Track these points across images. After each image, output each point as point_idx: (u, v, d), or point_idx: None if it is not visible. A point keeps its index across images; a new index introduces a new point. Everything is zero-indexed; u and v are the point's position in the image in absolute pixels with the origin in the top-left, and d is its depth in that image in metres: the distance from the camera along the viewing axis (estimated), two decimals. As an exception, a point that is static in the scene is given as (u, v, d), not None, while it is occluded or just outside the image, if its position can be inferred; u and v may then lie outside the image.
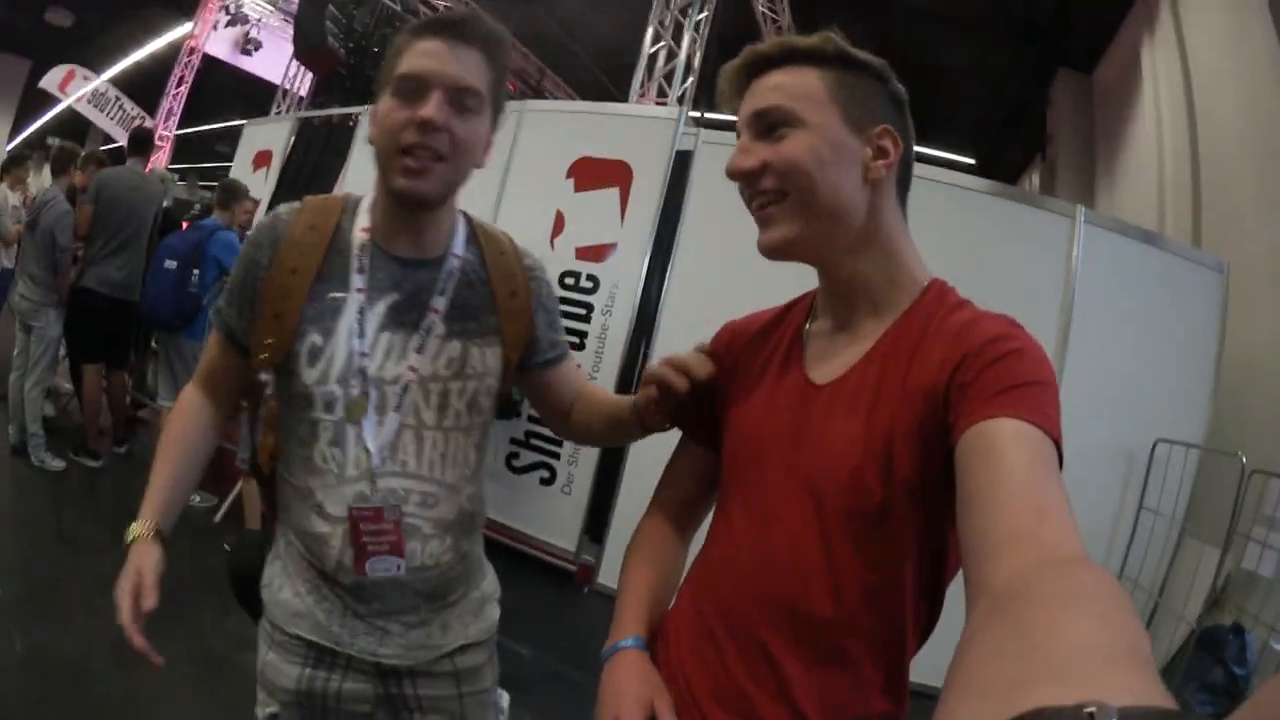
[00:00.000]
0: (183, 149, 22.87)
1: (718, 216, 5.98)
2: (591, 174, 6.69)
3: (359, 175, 8.30)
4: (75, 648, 4.13)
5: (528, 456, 6.68)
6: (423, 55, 1.60)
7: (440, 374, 1.76)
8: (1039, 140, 14.20)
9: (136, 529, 1.80)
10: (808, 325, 1.56)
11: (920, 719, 1.37)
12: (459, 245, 1.81)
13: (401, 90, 1.60)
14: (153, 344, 7.57)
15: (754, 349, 1.62)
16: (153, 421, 7.98)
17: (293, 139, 9.60)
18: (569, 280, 6.64)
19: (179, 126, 20.14)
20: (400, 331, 1.73)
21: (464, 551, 1.89)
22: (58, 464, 6.56)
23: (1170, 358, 5.76)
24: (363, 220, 1.76)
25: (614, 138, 6.67)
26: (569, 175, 6.76)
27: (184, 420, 1.90)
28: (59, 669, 3.94)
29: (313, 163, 9.06)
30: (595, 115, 7.05)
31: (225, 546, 5.65)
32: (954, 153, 14.34)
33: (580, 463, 6.47)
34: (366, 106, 8.83)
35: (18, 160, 9.03)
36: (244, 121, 11.20)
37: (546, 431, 6.37)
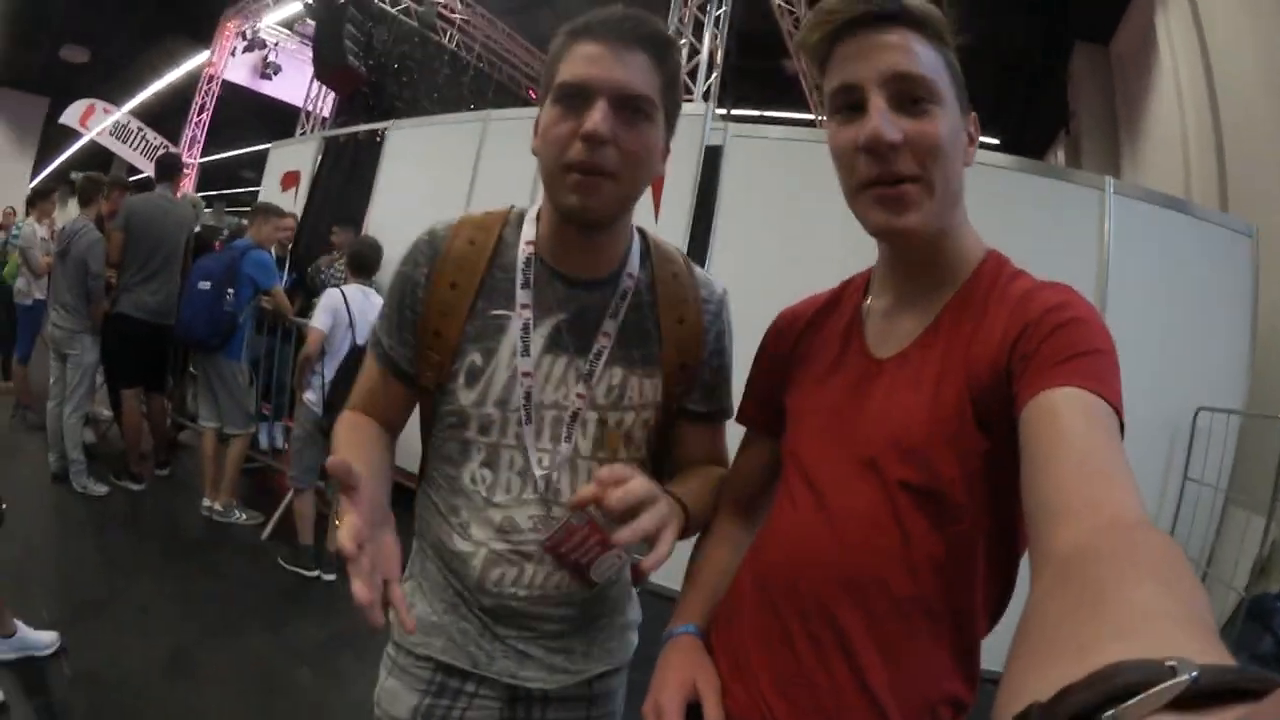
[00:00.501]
0: (207, 177, 23.04)
1: (750, 210, 5.99)
2: None
3: (390, 190, 8.45)
4: (125, 667, 4.17)
5: None
6: (584, 61, 1.46)
7: (599, 403, 1.65)
8: (1062, 115, 14.09)
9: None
10: (866, 302, 1.53)
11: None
12: (634, 264, 1.69)
13: (563, 99, 1.47)
14: (190, 368, 7.58)
15: (812, 332, 1.60)
16: (194, 445, 7.98)
17: (320, 158, 9.62)
18: None
19: (202, 154, 20.25)
20: (566, 355, 1.63)
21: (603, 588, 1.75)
22: (100, 489, 6.60)
23: (1206, 325, 5.67)
24: (528, 233, 1.67)
25: None
26: None
27: (356, 426, 1.73)
28: (109, 688, 3.98)
29: (341, 180, 9.09)
30: None
31: (279, 561, 5.76)
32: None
33: None
34: (392, 122, 9.01)
35: (43, 194, 9.17)
36: (267, 146, 11.18)
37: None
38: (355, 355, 5.53)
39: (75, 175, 7.74)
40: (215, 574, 5.57)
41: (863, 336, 1.49)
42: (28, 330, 8.52)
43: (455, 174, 7.56)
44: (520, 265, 1.63)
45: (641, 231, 1.76)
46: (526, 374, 1.61)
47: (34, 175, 23.31)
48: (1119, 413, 1.07)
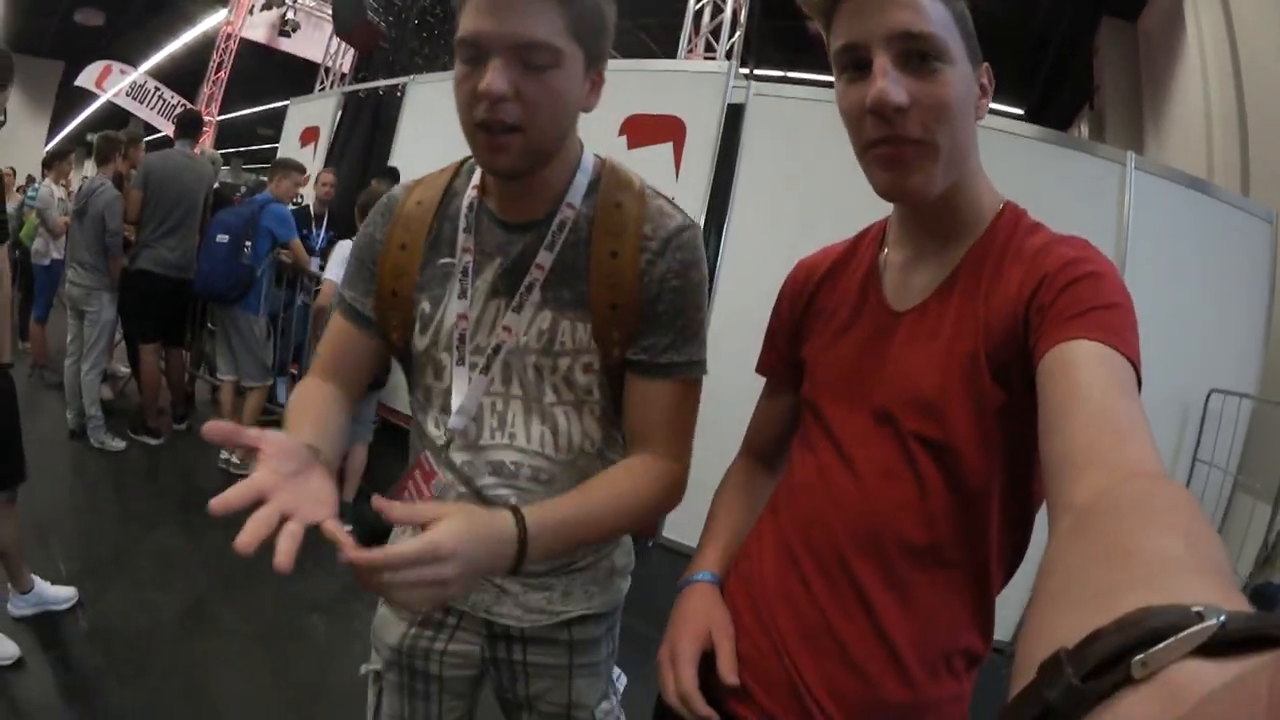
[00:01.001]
0: (225, 134, 22.96)
1: (772, 169, 5.95)
2: (644, 130, 6.57)
3: (411, 145, 8.40)
4: (142, 621, 4.23)
5: None
6: (477, 13, 1.39)
7: (531, 346, 1.60)
8: (1086, 90, 13.93)
9: None
10: (883, 254, 1.52)
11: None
12: (576, 195, 1.61)
13: (464, 56, 1.42)
14: (209, 324, 7.61)
15: (830, 284, 1.58)
16: (210, 400, 8.10)
17: (339, 113, 9.68)
18: None
19: (220, 112, 20.20)
20: (502, 297, 1.61)
21: None
22: (118, 444, 6.68)
23: (1222, 308, 5.64)
24: (475, 179, 1.67)
25: (665, 94, 6.56)
26: (621, 133, 6.63)
27: (306, 391, 1.70)
28: (126, 641, 4.03)
29: (362, 136, 9.08)
30: (646, 72, 6.86)
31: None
32: (1001, 103, 14.04)
33: None
34: (412, 77, 8.95)
35: (59, 155, 9.11)
36: (285, 103, 11.19)
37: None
38: None
39: (91, 136, 7.72)
40: (232, 527, 5.51)
41: (880, 288, 1.48)
42: (45, 290, 8.52)
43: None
44: (464, 211, 1.64)
45: (601, 160, 1.69)
46: (462, 316, 1.62)
47: (49, 139, 23.15)
48: (1136, 367, 1.07)
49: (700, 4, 10.38)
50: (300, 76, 17.73)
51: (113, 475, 6.30)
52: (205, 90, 19.40)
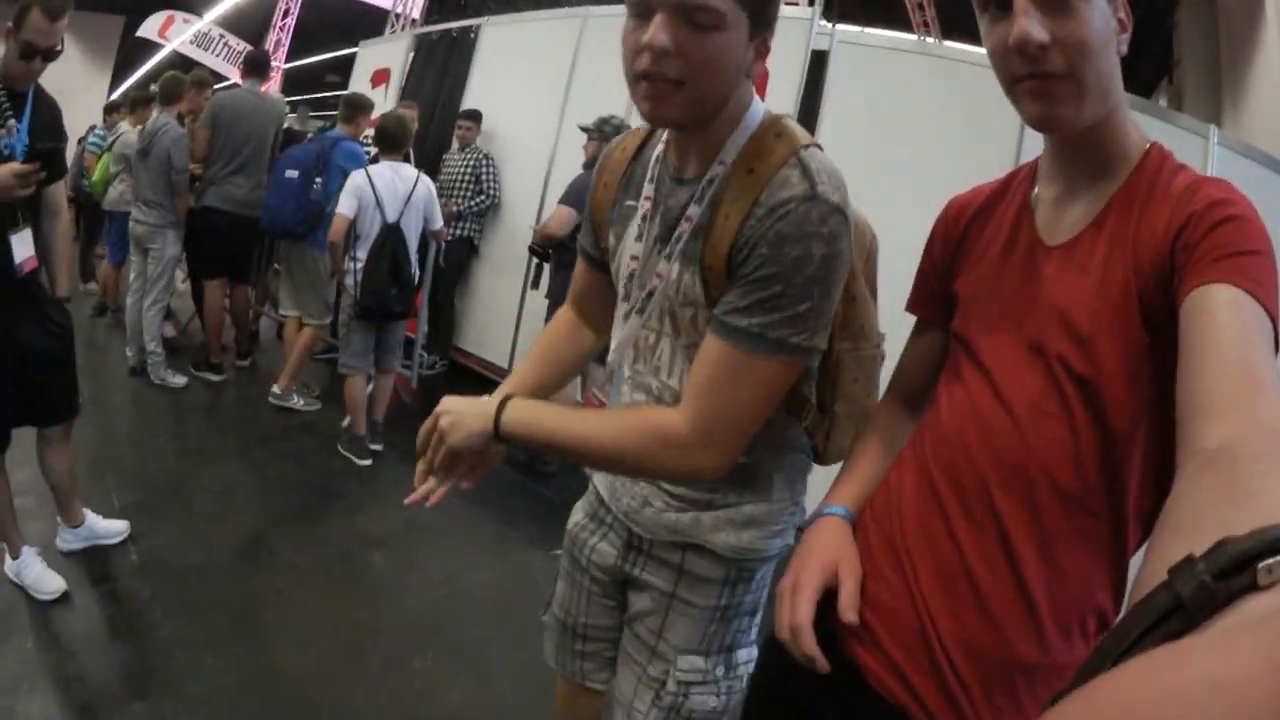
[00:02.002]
0: (292, 82, 23.04)
1: (855, 117, 5.77)
2: None
3: (485, 88, 8.28)
4: (196, 555, 4.20)
5: None
6: None
7: (672, 293, 1.70)
8: (1165, 63, 13.69)
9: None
10: (1034, 191, 1.52)
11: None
12: (730, 154, 1.62)
13: (632, 8, 1.49)
14: (275, 264, 7.60)
15: (982, 220, 1.59)
16: (272, 337, 8.14)
17: (411, 56, 9.47)
18: None
19: (288, 59, 20.21)
20: (661, 244, 1.70)
21: (736, 466, 1.66)
22: (179, 380, 6.71)
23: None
24: (669, 131, 1.72)
25: None
26: None
27: (552, 327, 2.11)
28: (178, 574, 4.01)
29: (434, 78, 8.94)
30: None
31: (338, 448, 5.80)
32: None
33: None
34: (486, 19, 8.79)
35: (142, 100, 8.95)
36: (353, 49, 10.99)
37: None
38: (387, 235, 5.56)
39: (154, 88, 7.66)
40: (293, 461, 5.62)
41: (1033, 223, 1.48)
42: (123, 235, 8.39)
43: (552, 71, 7.44)
44: (653, 161, 1.75)
45: (768, 119, 1.65)
46: (634, 257, 1.75)
47: (111, 93, 23.24)
48: (1274, 319, 1.07)
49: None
50: (369, 23, 17.63)
51: (172, 411, 6.32)
52: (272, 37, 19.44)
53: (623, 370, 1.92)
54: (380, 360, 5.90)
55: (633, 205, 1.77)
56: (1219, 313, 1.06)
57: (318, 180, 6.26)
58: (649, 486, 1.87)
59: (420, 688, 3.46)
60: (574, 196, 5.62)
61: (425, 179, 5.88)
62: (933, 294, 1.67)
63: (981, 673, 1.34)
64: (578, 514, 2.14)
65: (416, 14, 15.84)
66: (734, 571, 1.85)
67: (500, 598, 4.28)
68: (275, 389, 6.47)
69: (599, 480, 2.06)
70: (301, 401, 6.53)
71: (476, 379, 7.56)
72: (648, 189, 1.73)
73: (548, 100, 7.31)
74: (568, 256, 5.56)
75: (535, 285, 6.69)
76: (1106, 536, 1.33)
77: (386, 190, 5.58)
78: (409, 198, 5.68)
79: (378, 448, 5.81)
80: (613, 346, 1.84)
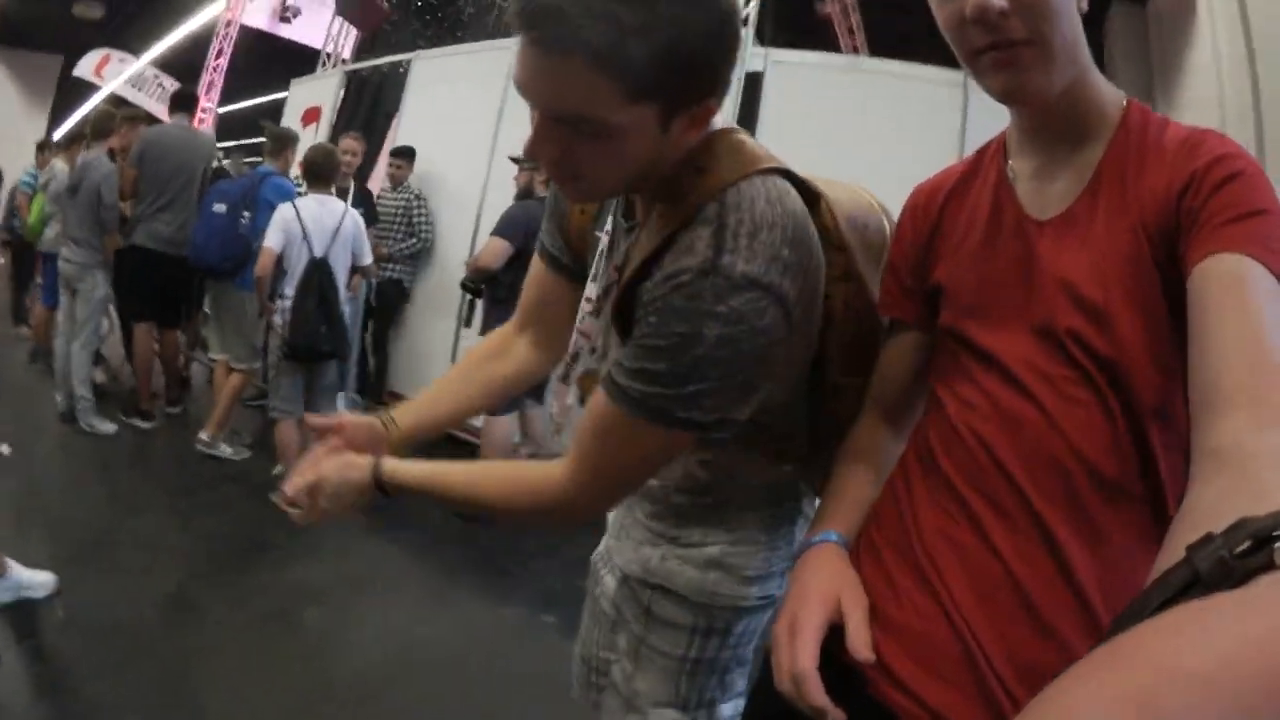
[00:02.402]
0: (226, 126, 22.84)
1: (790, 138, 5.69)
2: None
3: (415, 123, 8.21)
4: (125, 609, 3.98)
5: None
6: (519, 61, 1.24)
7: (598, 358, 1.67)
8: (1098, 62, 13.94)
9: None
10: (1009, 166, 1.41)
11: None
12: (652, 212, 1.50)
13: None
14: (205, 309, 7.41)
15: (956, 203, 1.47)
16: (204, 383, 7.92)
17: (342, 93, 9.41)
18: None
19: (221, 103, 20.03)
20: (604, 294, 1.61)
21: (701, 505, 1.70)
22: (108, 427, 6.47)
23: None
24: None
25: None
26: None
27: (479, 348, 2.02)
28: (107, 632, 3.78)
29: (364, 115, 8.91)
30: None
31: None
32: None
33: None
34: (416, 54, 8.78)
35: (76, 138, 8.86)
36: (286, 94, 11.09)
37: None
38: (314, 270, 5.37)
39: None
40: (222, 512, 5.41)
41: (1015, 199, 1.37)
42: (57, 276, 8.22)
43: (482, 104, 7.29)
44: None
45: (703, 142, 1.41)
46: (588, 298, 1.66)
47: (48, 132, 23.07)
48: None
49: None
50: (301, 65, 17.54)
51: (100, 458, 6.11)
52: (205, 78, 19.18)
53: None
54: (312, 404, 5.59)
55: (598, 236, 1.67)
56: (1229, 286, 1.02)
57: (245, 215, 6.11)
58: (629, 516, 1.82)
59: (370, 757, 3.23)
60: (507, 227, 5.52)
61: (354, 213, 5.72)
62: (907, 290, 1.53)
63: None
64: (601, 544, 2.03)
65: (347, 54, 15.81)
66: (703, 620, 1.70)
67: (448, 655, 4.05)
68: (203, 435, 6.23)
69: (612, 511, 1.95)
70: (230, 449, 6.29)
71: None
72: (609, 224, 1.63)
73: (479, 132, 7.22)
74: (500, 291, 5.46)
75: (468, 323, 6.57)
76: (1150, 521, 1.23)
77: (313, 224, 5.40)
78: (336, 231, 5.50)
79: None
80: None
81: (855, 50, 15.14)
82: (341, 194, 6.57)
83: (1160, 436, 1.21)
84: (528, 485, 1.54)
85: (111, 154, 6.73)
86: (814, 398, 1.62)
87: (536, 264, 1.86)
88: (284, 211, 5.44)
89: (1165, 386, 1.19)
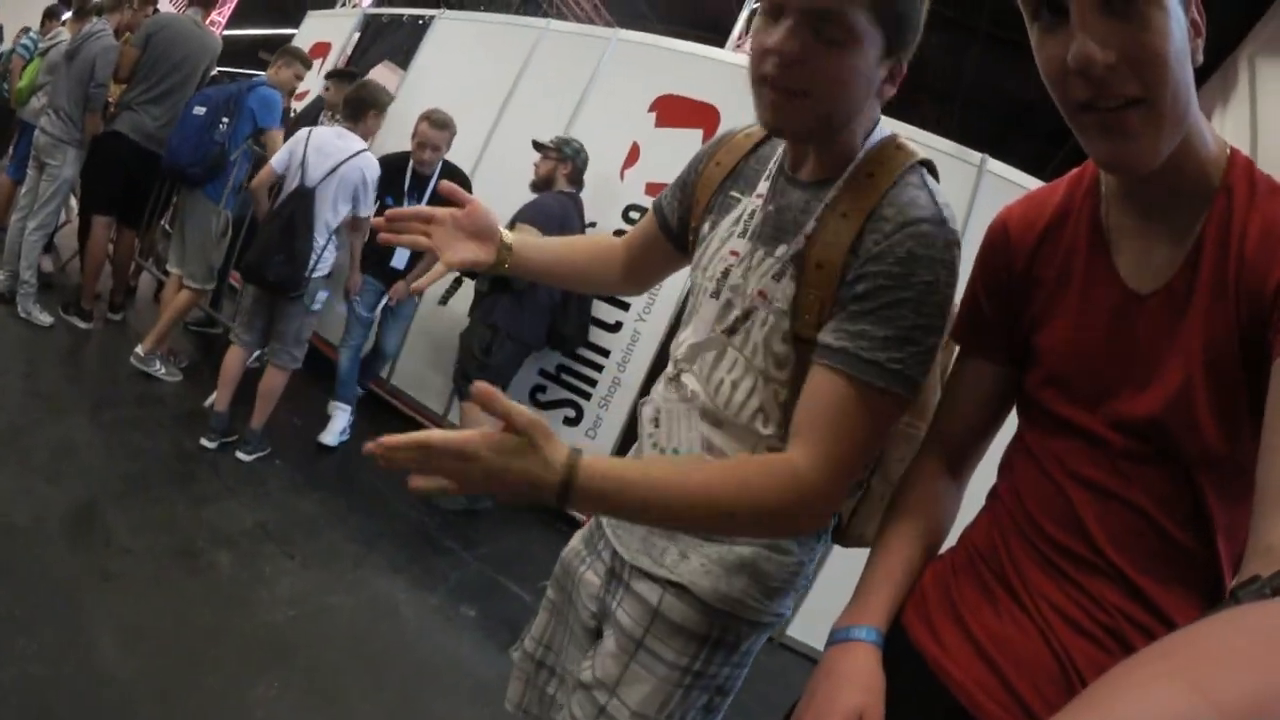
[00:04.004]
0: (225, 52, 22.60)
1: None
2: (676, 112, 6.33)
3: (423, 80, 7.86)
4: (21, 514, 3.71)
5: (555, 392, 6.31)
6: None
7: (760, 299, 1.58)
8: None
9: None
10: (1103, 213, 1.35)
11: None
12: (852, 166, 1.53)
13: (764, 6, 1.41)
14: (165, 225, 7.25)
15: (1050, 246, 1.41)
16: (153, 296, 7.63)
17: (356, 35, 9.13)
18: (634, 215, 6.22)
19: (228, 26, 19.73)
20: (764, 248, 1.58)
21: None
22: (45, 319, 6.13)
23: None
24: None
25: (703, 80, 6.31)
26: (651, 109, 6.42)
27: (594, 240, 2.10)
28: (2, 531, 3.52)
29: (373, 63, 8.66)
30: (687, 55, 6.58)
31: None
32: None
33: (612, 406, 6.08)
34: (441, 10, 8.46)
35: (86, 9, 8.50)
36: (293, 30, 10.72)
37: (580, 368, 6.17)
38: (294, 196, 5.06)
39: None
40: (146, 433, 5.05)
41: (1110, 259, 1.33)
42: (29, 147, 7.89)
43: (497, 77, 7.13)
44: (774, 158, 1.65)
45: (889, 137, 1.56)
46: (734, 253, 1.62)
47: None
48: None
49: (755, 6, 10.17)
50: (318, 5, 17.38)
51: (31, 350, 5.77)
52: (221, -8, 18.93)
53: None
54: (271, 349, 5.30)
55: (736, 198, 1.68)
56: None
57: (224, 120, 5.84)
58: None
59: (262, 720, 2.99)
60: (539, 215, 5.28)
61: (366, 160, 5.25)
62: (986, 321, 1.50)
63: None
64: (575, 540, 1.99)
65: (368, 1, 15.57)
66: (717, 630, 1.67)
67: (358, 627, 3.80)
68: (139, 350, 5.83)
69: None
70: (164, 369, 5.92)
71: (398, 419, 6.86)
72: (762, 186, 1.64)
73: (485, 106, 7.00)
74: (519, 282, 5.22)
75: (444, 301, 6.44)
76: (1208, 590, 1.24)
77: (316, 154, 5.08)
78: (336, 168, 5.10)
79: (231, 440, 5.19)
80: (683, 345, 1.70)
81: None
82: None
83: (1225, 519, 1.21)
84: (762, 482, 1.39)
85: (117, 32, 6.46)
86: None
87: (649, 217, 1.94)
88: (297, 136, 5.18)
89: (1240, 474, 1.13)
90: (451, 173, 6.05)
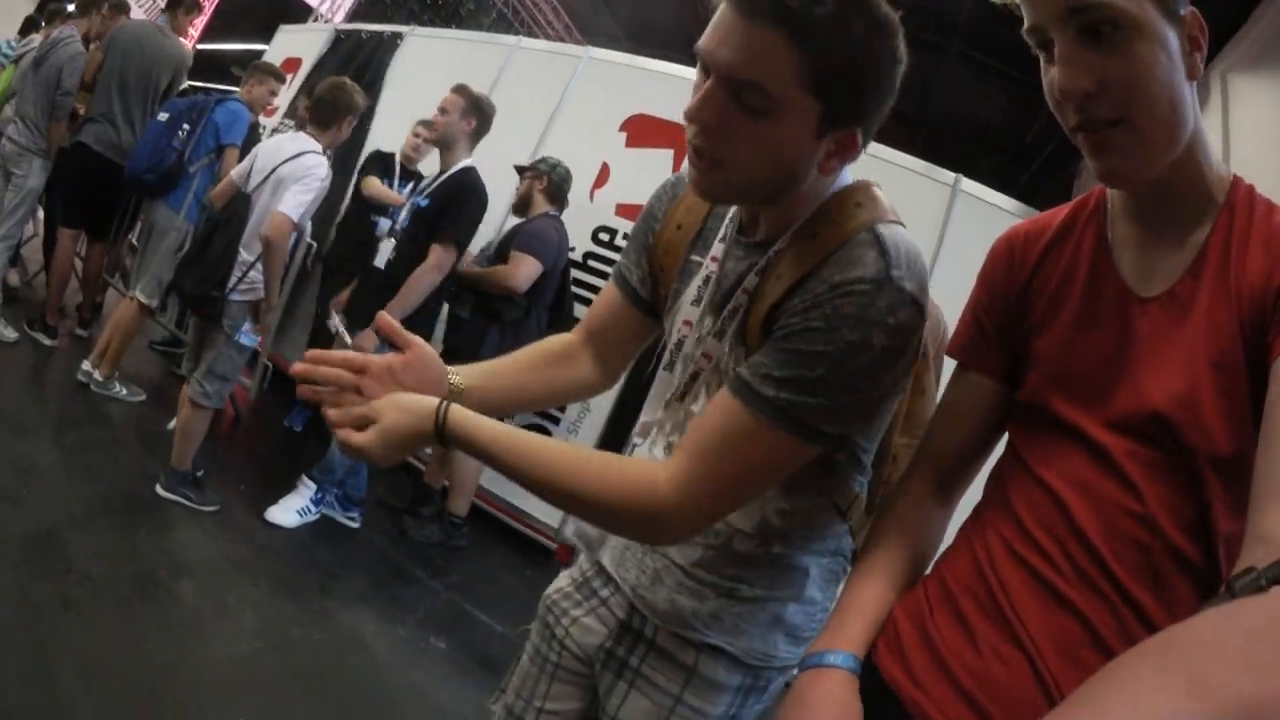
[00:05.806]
0: (199, 67, 22.59)
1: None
2: (647, 132, 6.33)
3: (396, 97, 7.85)
4: None
5: (520, 417, 6.08)
6: (712, 27, 1.31)
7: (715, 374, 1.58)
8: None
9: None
10: (1109, 225, 1.40)
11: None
12: (790, 230, 1.48)
13: (700, 62, 1.34)
14: (132, 239, 7.15)
15: (1053, 258, 1.44)
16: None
17: (326, 51, 9.03)
18: (603, 236, 6.26)
19: (200, 40, 19.68)
20: (709, 315, 1.57)
21: (768, 553, 1.62)
22: (9, 334, 6.00)
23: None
24: None
25: (675, 100, 5.98)
26: (622, 129, 6.42)
27: (541, 346, 1.88)
28: None
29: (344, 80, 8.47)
30: (659, 75, 6.55)
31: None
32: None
33: (580, 433, 6.03)
34: (412, 27, 8.45)
35: (58, 15, 8.48)
36: (264, 46, 10.69)
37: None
38: (227, 205, 4.67)
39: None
40: (110, 455, 4.96)
41: (1114, 268, 1.36)
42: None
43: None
44: (729, 218, 1.60)
45: (852, 187, 1.50)
46: (687, 322, 1.61)
47: (39, 8, 22.53)
48: None
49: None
50: (295, 19, 17.41)
51: (-8, 366, 5.63)
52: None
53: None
54: (190, 382, 4.67)
55: (697, 262, 1.64)
56: None
57: (184, 128, 5.77)
58: (662, 559, 1.66)
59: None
60: (540, 245, 5.19)
61: (306, 162, 4.61)
62: (986, 336, 1.51)
63: None
64: (562, 580, 1.92)
65: (341, 17, 15.59)
66: (750, 679, 1.68)
67: (322, 665, 3.70)
68: (96, 375, 5.62)
69: (610, 545, 1.80)
70: (125, 391, 5.76)
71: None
72: (717, 248, 1.59)
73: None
74: (514, 312, 5.15)
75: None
76: (1208, 591, 1.22)
77: (263, 159, 4.73)
78: (274, 170, 4.60)
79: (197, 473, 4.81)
80: (639, 423, 1.71)
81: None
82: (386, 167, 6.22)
83: (1228, 524, 1.20)
84: (622, 481, 1.40)
85: (86, 40, 6.42)
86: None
87: (611, 290, 1.83)
88: (261, 144, 4.98)
89: (1244, 476, 1.12)
90: (456, 185, 5.06)
